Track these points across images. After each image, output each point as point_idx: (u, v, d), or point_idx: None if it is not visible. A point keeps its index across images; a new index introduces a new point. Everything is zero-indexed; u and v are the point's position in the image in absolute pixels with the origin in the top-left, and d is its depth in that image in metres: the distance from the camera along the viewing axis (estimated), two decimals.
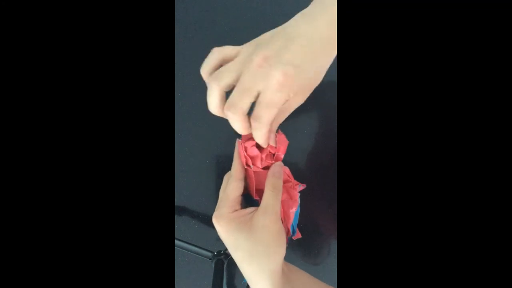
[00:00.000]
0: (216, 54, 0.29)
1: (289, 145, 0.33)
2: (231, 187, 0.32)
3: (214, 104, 0.28)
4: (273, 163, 0.33)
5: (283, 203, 0.33)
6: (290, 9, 0.43)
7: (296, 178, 0.35)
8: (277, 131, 0.33)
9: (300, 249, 0.47)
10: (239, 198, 0.33)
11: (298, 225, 0.35)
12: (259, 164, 0.32)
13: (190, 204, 0.44)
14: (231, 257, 0.43)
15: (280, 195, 0.32)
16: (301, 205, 0.35)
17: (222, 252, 0.43)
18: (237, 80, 0.27)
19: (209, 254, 0.43)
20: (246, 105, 0.27)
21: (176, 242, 0.43)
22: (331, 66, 0.28)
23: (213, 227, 0.33)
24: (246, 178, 0.34)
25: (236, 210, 0.32)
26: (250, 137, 0.31)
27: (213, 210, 0.33)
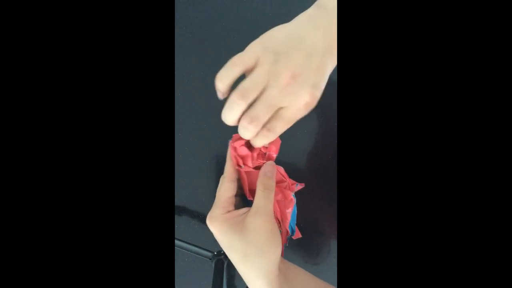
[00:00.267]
0: (239, 66, 0.28)
1: (289, 145, 0.33)
2: (223, 188, 0.32)
3: (234, 118, 0.28)
4: (265, 162, 0.33)
5: (279, 204, 0.33)
6: (290, 9, 0.43)
7: (296, 178, 0.35)
8: None
9: (300, 249, 0.47)
10: (232, 199, 0.33)
11: (298, 225, 0.35)
12: (250, 163, 0.32)
13: (190, 204, 0.44)
14: None
15: (272, 195, 0.31)
16: (301, 205, 0.35)
17: (222, 252, 0.43)
18: (261, 93, 0.27)
19: (209, 254, 0.43)
20: (267, 119, 0.27)
21: (176, 242, 0.43)
22: None
23: None
24: (240, 179, 0.34)
25: (229, 211, 0.32)
26: (239, 137, 0.31)
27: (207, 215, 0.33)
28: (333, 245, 0.46)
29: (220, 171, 0.43)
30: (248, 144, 0.31)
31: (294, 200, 0.34)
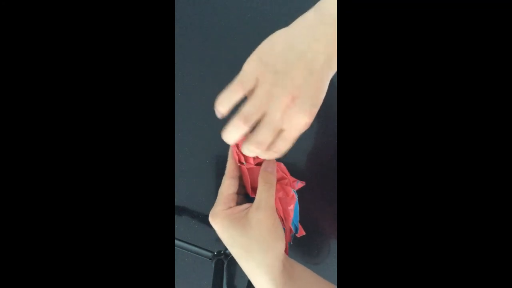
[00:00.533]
0: (239, 91, 0.28)
1: None
2: (225, 184, 0.33)
3: (235, 139, 0.29)
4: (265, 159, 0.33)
5: (281, 201, 0.33)
6: (290, 9, 0.43)
7: (296, 177, 0.35)
8: None
9: (300, 249, 0.47)
10: (234, 196, 0.33)
11: (300, 223, 0.35)
12: (251, 160, 0.32)
13: (190, 204, 0.44)
14: (231, 257, 0.43)
15: (273, 190, 0.32)
16: (301, 205, 0.35)
17: (222, 252, 0.43)
18: (262, 115, 0.27)
19: (209, 254, 0.43)
20: (270, 141, 0.28)
21: (176, 242, 0.43)
22: None
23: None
24: (242, 176, 0.34)
25: (231, 207, 0.32)
26: None
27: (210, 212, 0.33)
28: (333, 245, 0.46)
29: (220, 171, 0.43)
30: None
31: (296, 196, 0.34)
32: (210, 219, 0.32)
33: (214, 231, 0.32)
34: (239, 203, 0.34)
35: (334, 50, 0.27)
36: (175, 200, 0.44)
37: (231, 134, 0.28)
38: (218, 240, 0.33)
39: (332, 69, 0.28)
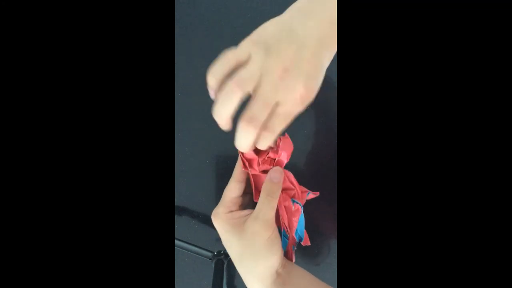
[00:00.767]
0: (232, 59, 0.27)
1: None
2: (229, 187, 0.33)
3: (228, 113, 0.27)
4: (272, 167, 0.32)
5: (287, 210, 0.33)
6: None
7: (295, 178, 0.34)
8: (283, 135, 0.32)
9: (300, 249, 0.47)
10: (237, 200, 0.33)
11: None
12: (256, 167, 0.32)
13: (190, 204, 0.44)
14: None
15: (274, 202, 0.30)
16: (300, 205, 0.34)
17: (222, 252, 0.43)
18: (255, 89, 0.26)
19: (209, 254, 0.43)
20: (265, 118, 0.26)
21: (176, 242, 0.43)
22: (331, 65, 0.28)
23: (213, 227, 0.33)
24: (249, 180, 0.34)
25: (231, 211, 0.32)
26: None
27: (213, 210, 0.33)
28: (333, 245, 0.46)
29: (220, 171, 0.43)
30: (256, 148, 0.30)
31: (301, 209, 0.33)
32: (212, 219, 0.32)
33: (214, 231, 0.32)
34: (245, 204, 0.34)
35: (330, 30, 0.26)
36: (175, 200, 0.44)
37: (225, 104, 0.26)
38: (218, 240, 0.33)
39: (328, 49, 0.27)
